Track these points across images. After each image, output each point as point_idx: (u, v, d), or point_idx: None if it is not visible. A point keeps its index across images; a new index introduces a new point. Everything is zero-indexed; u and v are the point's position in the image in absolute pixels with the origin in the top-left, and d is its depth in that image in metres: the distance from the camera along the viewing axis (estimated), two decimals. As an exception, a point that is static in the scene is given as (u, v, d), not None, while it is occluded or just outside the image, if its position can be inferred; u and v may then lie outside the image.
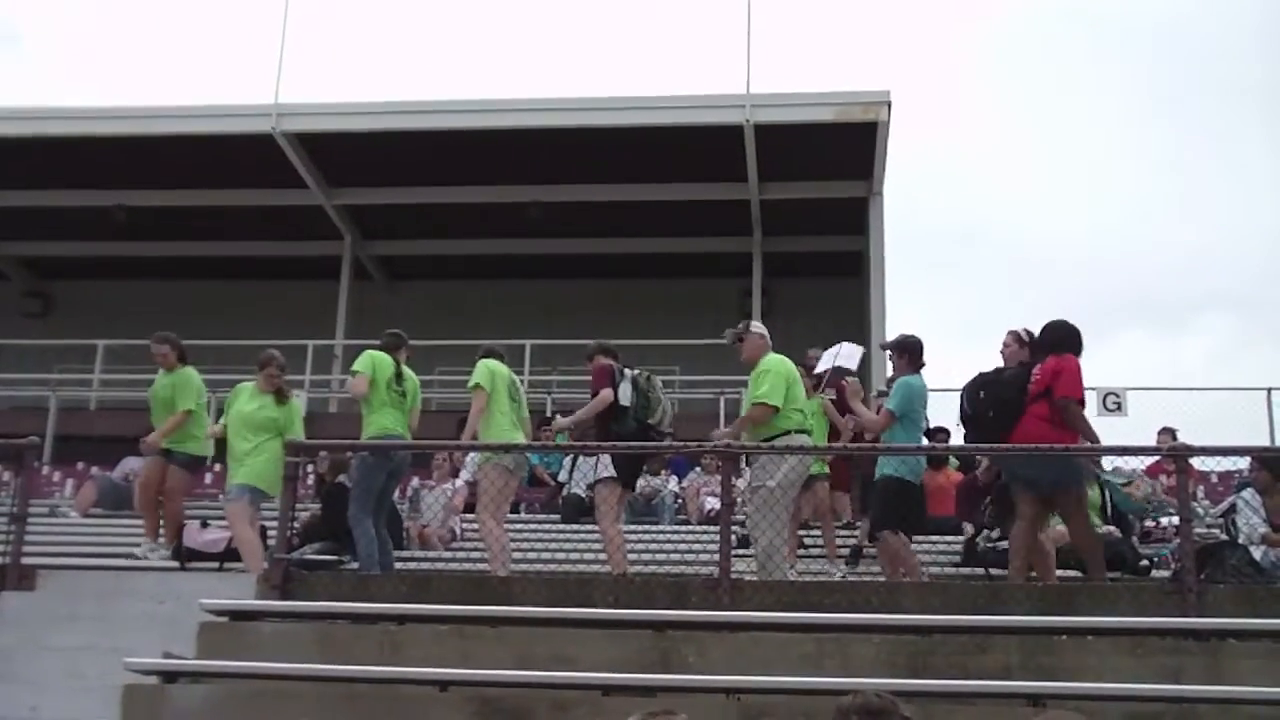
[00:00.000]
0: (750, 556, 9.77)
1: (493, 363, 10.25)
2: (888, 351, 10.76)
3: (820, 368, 12.05)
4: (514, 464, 10.06)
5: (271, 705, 6.58)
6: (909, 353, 10.08)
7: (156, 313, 21.18)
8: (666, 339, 19.69)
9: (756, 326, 10.30)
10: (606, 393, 9.86)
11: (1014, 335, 9.63)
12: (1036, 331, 9.54)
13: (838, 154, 20.03)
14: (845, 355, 12.02)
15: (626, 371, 10.05)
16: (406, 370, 10.40)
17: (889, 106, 19.35)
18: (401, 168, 21.11)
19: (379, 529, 9.91)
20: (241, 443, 10.28)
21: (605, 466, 9.88)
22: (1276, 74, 51.56)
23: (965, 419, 9.35)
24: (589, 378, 10.32)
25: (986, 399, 9.22)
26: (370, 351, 10.31)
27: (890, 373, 11.47)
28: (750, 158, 19.88)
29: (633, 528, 12.15)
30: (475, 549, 12.00)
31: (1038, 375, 9.04)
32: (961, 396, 9.48)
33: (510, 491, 10.26)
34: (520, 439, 10.20)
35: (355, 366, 10.23)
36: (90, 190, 21.76)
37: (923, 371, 10.02)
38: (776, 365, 9.70)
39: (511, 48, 42.97)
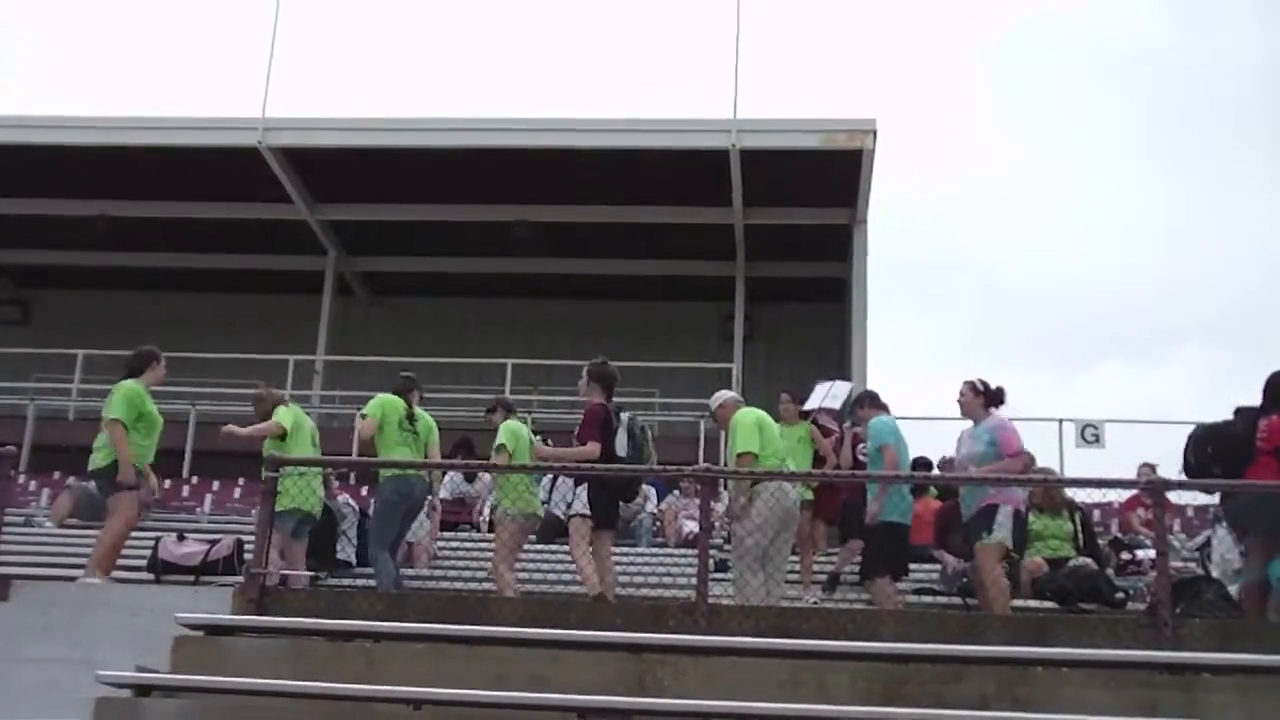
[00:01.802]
0: (728, 580, 9.82)
1: (386, 397, 10.73)
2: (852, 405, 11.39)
3: (811, 404, 12.21)
4: (525, 516, 10.28)
5: (245, 721, 6.55)
6: (869, 401, 10.85)
7: (136, 323, 21.11)
8: (648, 361, 19.73)
9: (718, 398, 10.60)
10: (594, 448, 9.61)
11: (969, 385, 9.92)
12: (991, 382, 9.85)
13: (823, 180, 20.08)
14: (835, 394, 12.27)
15: (622, 417, 9.90)
16: (418, 411, 10.87)
17: (874, 135, 19.43)
18: (387, 184, 21.12)
19: (396, 564, 10.43)
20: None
21: (580, 503, 9.75)
22: (1262, 107, 51.95)
23: (1188, 471, 9.29)
24: (571, 397, 10.37)
25: (1214, 452, 9.20)
26: (381, 395, 10.78)
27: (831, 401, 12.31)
28: (735, 182, 19.93)
29: (610, 550, 12.12)
30: (452, 568, 12.00)
31: (1264, 431, 8.93)
32: (1186, 449, 9.45)
33: (523, 540, 10.61)
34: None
35: (365, 410, 10.72)
36: (73, 200, 21.71)
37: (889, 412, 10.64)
38: (743, 417, 9.97)
39: (500, 68, 43.07)
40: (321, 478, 10.93)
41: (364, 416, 10.71)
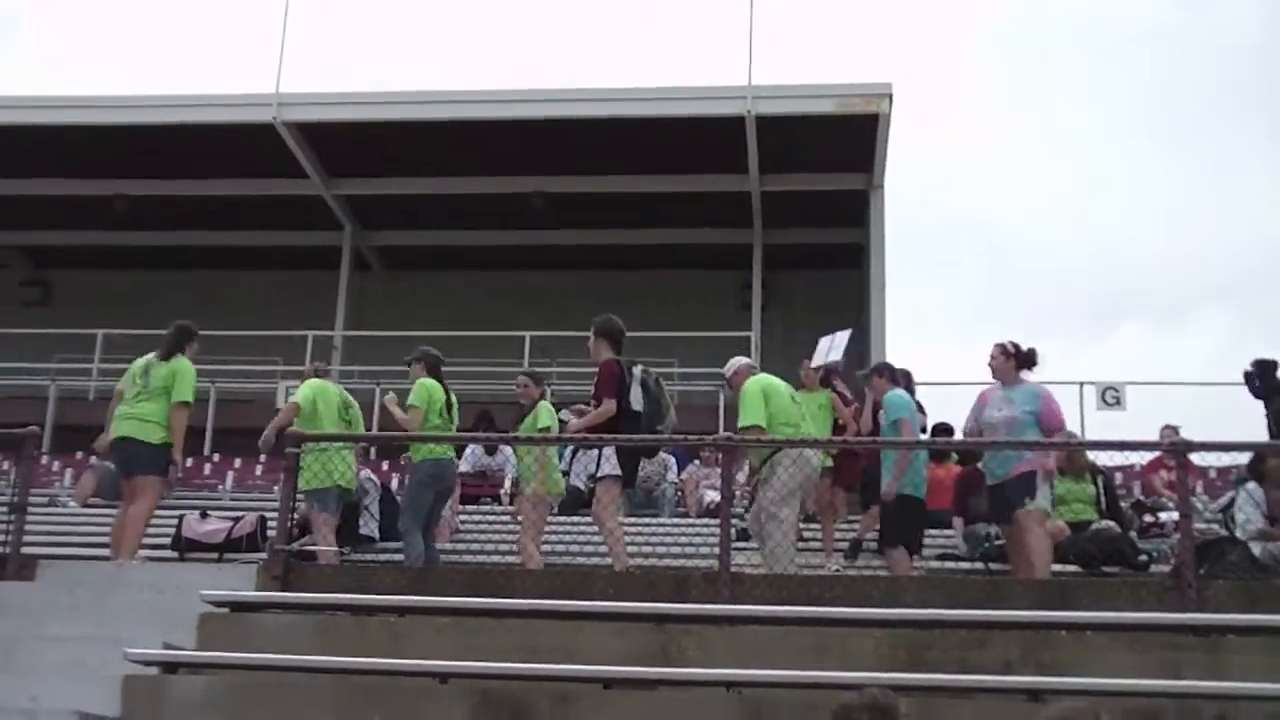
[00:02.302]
0: (751, 549, 9.82)
1: (429, 383, 10.67)
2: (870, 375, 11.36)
3: (816, 361, 12.17)
4: (551, 494, 10.51)
5: (272, 696, 6.59)
6: (887, 373, 10.98)
7: (155, 302, 21.15)
8: (665, 330, 19.69)
9: (732, 365, 10.57)
10: (610, 405, 9.58)
11: (1000, 348, 9.81)
12: (1022, 344, 9.75)
13: (839, 146, 19.98)
14: (837, 345, 12.22)
15: (635, 371, 9.82)
16: (452, 397, 10.89)
17: (890, 99, 19.30)
18: (402, 158, 21.07)
19: (428, 543, 10.39)
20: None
21: (610, 464, 9.70)
22: (1274, 71, 51.52)
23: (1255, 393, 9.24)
24: (588, 368, 10.35)
25: None
26: (423, 381, 10.65)
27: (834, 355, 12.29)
28: (751, 149, 19.84)
29: (632, 521, 12.15)
30: (475, 541, 12.04)
31: None
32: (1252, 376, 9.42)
33: (547, 515, 10.63)
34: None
35: (412, 400, 10.55)
36: (90, 179, 21.72)
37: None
38: (750, 387, 9.89)
39: (514, 38, 42.87)
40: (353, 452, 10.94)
41: (411, 408, 10.55)
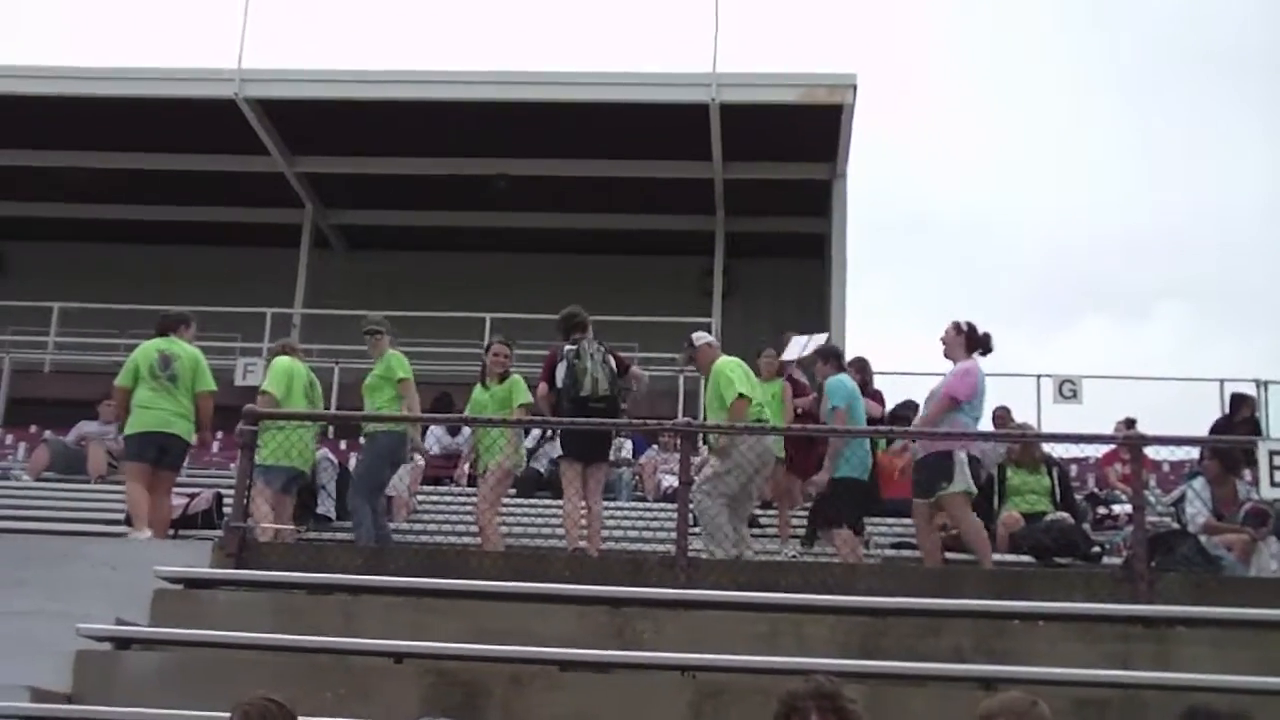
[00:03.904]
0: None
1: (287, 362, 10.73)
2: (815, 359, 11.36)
3: (789, 356, 12.21)
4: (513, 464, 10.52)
5: (226, 673, 6.55)
6: (834, 358, 10.96)
7: (113, 276, 21.04)
8: (626, 315, 19.69)
9: (701, 337, 10.72)
10: (542, 388, 10.26)
11: (954, 325, 9.79)
12: (979, 327, 9.73)
13: (802, 135, 20.04)
14: (811, 346, 12.25)
15: (565, 349, 10.20)
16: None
17: (855, 90, 19.37)
18: (365, 137, 20.97)
19: (377, 516, 10.27)
20: None
21: (555, 447, 10.27)
22: (1242, 64, 51.89)
23: None
24: (544, 351, 10.53)
25: None
26: (395, 353, 10.64)
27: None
28: (715, 137, 19.86)
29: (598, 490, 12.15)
30: (431, 521, 12.02)
31: None
32: None
33: (505, 489, 10.67)
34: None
35: (402, 374, 10.50)
36: (48, 151, 21.50)
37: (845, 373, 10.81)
38: (729, 366, 10.10)
39: (479, 20, 42.72)
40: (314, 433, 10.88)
41: (404, 380, 10.49)
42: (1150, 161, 50.88)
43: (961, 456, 9.37)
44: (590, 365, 10.05)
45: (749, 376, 10.16)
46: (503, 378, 10.57)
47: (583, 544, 9.80)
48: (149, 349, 10.29)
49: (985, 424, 10.95)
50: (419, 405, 10.79)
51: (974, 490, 9.58)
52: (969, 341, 9.70)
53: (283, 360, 10.91)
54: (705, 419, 10.60)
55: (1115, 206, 49.61)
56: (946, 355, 9.80)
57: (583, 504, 10.06)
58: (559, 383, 10.09)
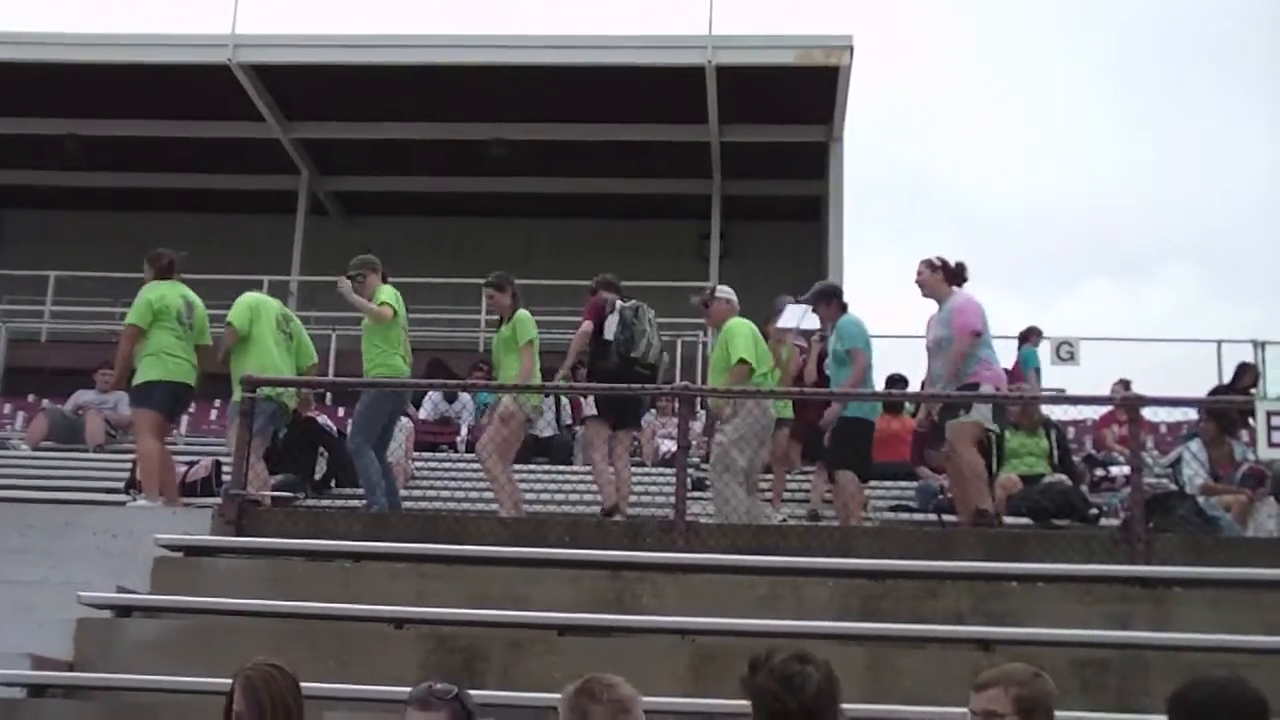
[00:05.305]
0: (706, 499, 9.86)
1: (252, 296, 10.27)
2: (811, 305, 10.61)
3: (784, 324, 12.10)
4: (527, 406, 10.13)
5: (225, 640, 6.57)
6: (837, 296, 10.37)
7: (108, 244, 20.93)
8: (623, 279, 19.63)
9: (723, 291, 10.54)
10: (586, 325, 10.09)
11: (926, 263, 9.45)
12: (950, 259, 9.41)
13: (799, 98, 19.94)
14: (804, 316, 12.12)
15: (618, 304, 10.13)
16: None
17: (851, 51, 19.26)
18: (360, 102, 20.87)
19: (383, 461, 9.97)
20: None
21: (590, 405, 10.13)
22: (1244, 28, 51.70)
23: None
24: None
25: None
26: (387, 286, 10.19)
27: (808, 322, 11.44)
28: (711, 99, 19.76)
29: (587, 470, 12.15)
30: (430, 488, 12.03)
31: None
32: None
33: (510, 433, 10.07)
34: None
35: (384, 298, 10.03)
36: (41, 118, 21.39)
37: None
38: (741, 326, 9.95)
39: (473, -17, 42.41)
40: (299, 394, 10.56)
41: (383, 304, 9.98)
42: (1153, 122, 50.69)
43: (989, 389, 9.13)
44: (649, 330, 10.08)
45: (758, 343, 9.95)
46: (508, 318, 10.21)
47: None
48: (173, 293, 9.77)
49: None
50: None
51: (990, 427, 9.38)
52: (947, 275, 9.37)
53: (248, 295, 10.41)
54: (708, 380, 10.55)
55: (1117, 167, 49.53)
56: (927, 295, 9.46)
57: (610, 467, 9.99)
58: (608, 334, 9.96)
